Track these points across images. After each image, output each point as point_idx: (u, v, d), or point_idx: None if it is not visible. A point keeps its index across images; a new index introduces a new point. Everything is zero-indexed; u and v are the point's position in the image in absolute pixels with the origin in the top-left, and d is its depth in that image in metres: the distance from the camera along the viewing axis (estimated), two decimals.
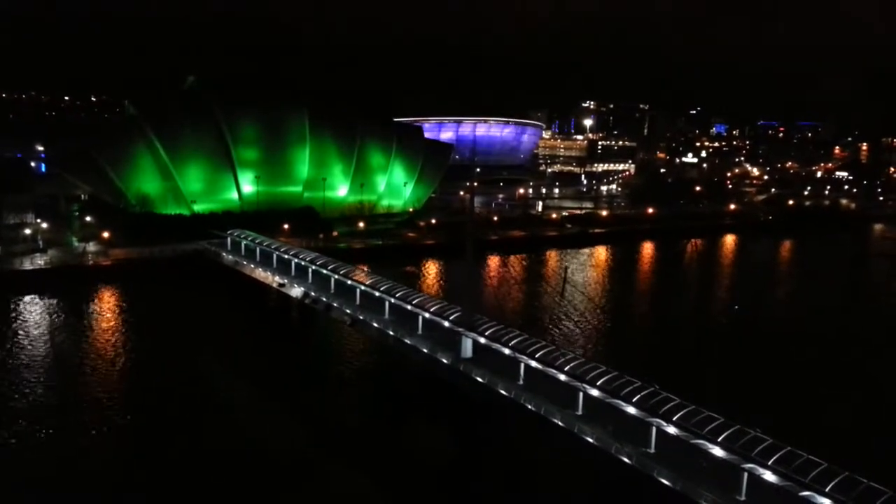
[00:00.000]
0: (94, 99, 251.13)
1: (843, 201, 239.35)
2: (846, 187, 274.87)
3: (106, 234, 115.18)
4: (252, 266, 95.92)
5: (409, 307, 69.11)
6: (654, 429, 46.02)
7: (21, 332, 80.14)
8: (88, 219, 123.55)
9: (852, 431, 57.07)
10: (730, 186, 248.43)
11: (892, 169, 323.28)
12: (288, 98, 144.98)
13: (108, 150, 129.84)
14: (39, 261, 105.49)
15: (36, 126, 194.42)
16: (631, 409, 47.64)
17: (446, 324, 64.21)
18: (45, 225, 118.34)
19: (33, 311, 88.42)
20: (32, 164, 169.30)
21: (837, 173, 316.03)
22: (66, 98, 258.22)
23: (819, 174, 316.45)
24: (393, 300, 71.20)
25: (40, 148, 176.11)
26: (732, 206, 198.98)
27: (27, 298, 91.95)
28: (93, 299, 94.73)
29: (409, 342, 66.09)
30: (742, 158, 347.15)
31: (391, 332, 68.46)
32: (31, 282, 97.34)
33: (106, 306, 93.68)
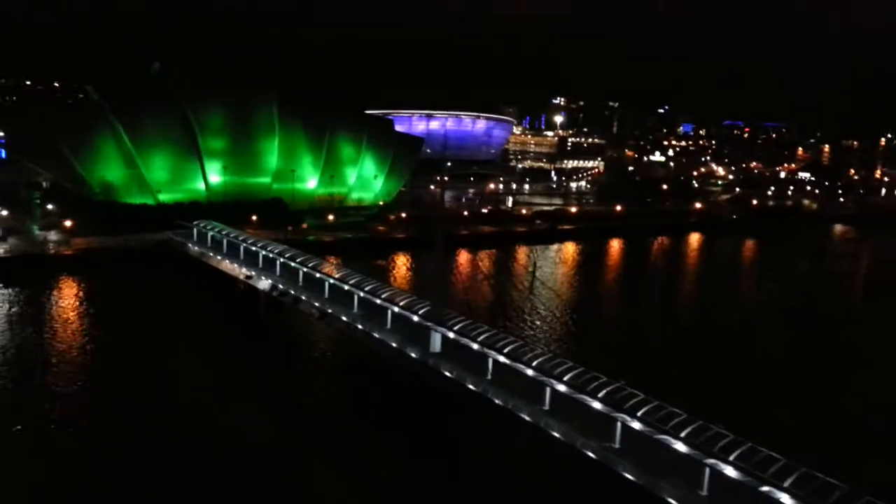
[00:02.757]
0: (56, 84, 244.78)
1: (806, 202, 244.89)
2: (808, 188, 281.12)
3: (68, 223, 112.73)
4: (219, 258, 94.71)
5: (378, 301, 68.89)
6: (619, 424, 46.58)
7: None
8: (50, 207, 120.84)
9: (807, 428, 58.41)
10: (696, 185, 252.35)
11: (852, 171, 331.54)
12: (257, 87, 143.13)
13: (70, 137, 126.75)
14: None
15: None
16: (597, 405, 48.17)
17: (415, 318, 64.19)
18: (4, 212, 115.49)
19: None
20: None
21: (800, 174, 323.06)
22: (28, 83, 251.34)
23: (783, 175, 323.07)
24: (362, 294, 70.90)
25: (0, 133, 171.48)
26: (698, 205, 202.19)
27: None
28: (54, 289, 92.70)
29: (377, 336, 65.93)
30: (708, 158, 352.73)
31: (360, 326, 68.23)
32: None
33: (68, 297, 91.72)
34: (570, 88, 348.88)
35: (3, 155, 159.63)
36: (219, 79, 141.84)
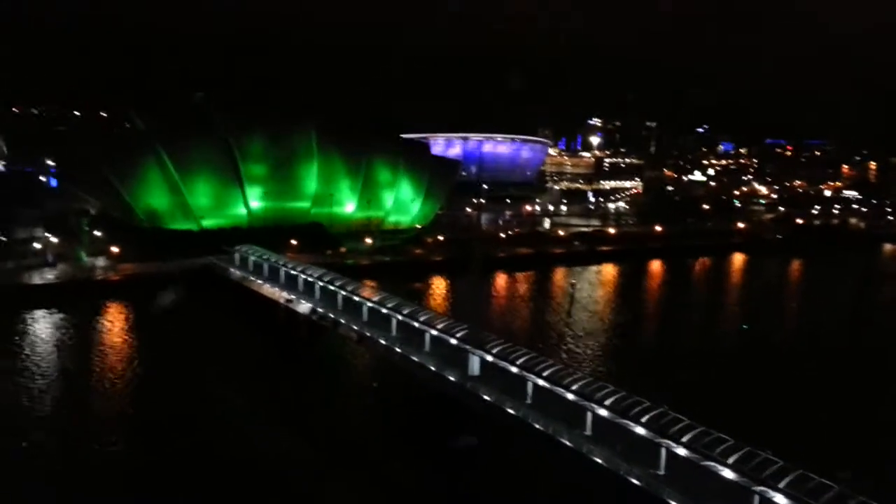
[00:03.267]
0: (104, 115, 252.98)
1: (852, 220, 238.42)
2: (855, 206, 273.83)
3: (115, 249, 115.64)
4: (260, 282, 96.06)
5: (416, 324, 68.97)
6: (663, 450, 45.59)
7: (30, 346, 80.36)
8: (97, 233, 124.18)
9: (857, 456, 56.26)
10: (738, 205, 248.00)
11: None
12: (295, 115, 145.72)
13: (117, 166, 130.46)
14: (49, 275, 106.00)
15: (46, 141, 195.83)
16: (640, 430, 47.25)
17: (453, 341, 64.02)
18: (54, 239, 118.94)
19: (43, 325, 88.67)
20: (42, 178, 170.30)
21: (846, 192, 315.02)
22: (77, 113, 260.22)
23: (828, 193, 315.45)
24: (400, 317, 71.08)
25: (50, 163, 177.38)
26: (741, 225, 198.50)
27: (37, 313, 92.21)
28: (102, 314, 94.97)
29: (416, 359, 65.88)
30: (750, 177, 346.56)
31: (398, 349, 68.29)
32: (41, 296, 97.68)
33: (114, 321, 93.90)
34: (606, 109, 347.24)
35: (54, 183, 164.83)
36: (258, 107, 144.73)
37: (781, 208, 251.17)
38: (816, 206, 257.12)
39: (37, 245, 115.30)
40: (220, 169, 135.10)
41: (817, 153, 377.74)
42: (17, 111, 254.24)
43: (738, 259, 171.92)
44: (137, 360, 78.21)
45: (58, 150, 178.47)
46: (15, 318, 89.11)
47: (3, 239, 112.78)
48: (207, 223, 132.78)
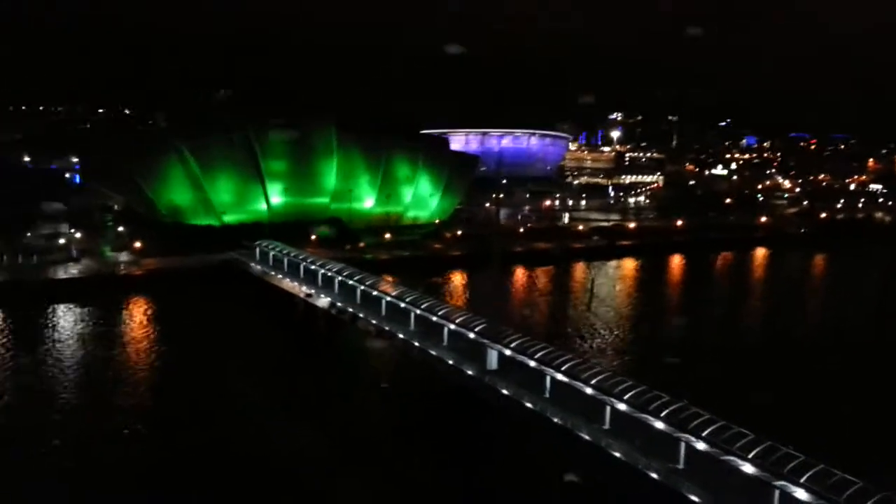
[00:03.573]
0: (126, 112, 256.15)
1: (878, 214, 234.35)
2: (881, 200, 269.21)
3: (138, 244, 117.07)
4: (280, 276, 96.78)
5: (434, 318, 69.11)
6: (682, 444, 45.31)
7: (55, 339, 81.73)
8: (121, 229, 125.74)
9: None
10: (761, 199, 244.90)
11: None
12: (315, 111, 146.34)
13: (140, 162, 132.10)
14: (73, 270, 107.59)
15: (71, 138, 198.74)
16: (659, 424, 47.00)
17: (471, 335, 64.07)
18: (78, 235, 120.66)
19: (67, 319, 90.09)
20: (67, 175, 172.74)
21: (872, 186, 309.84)
22: (100, 110, 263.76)
23: (853, 187, 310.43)
24: (418, 311, 71.25)
25: (75, 160, 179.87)
26: (763, 219, 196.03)
27: (61, 307, 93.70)
28: (125, 308, 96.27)
29: (434, 353, 66.03)
30: (773, 170, 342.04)
31: (416, 343, 68.48)
32: (66, 291, 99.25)
33: (137, 315, 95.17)
34: (626, 103, 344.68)
35: (78, 180, 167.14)
36: (277, 104, 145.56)
37: (805, 202, 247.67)
38: (841, 200, 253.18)
39: (61, 240, 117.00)
40: (241, 165, 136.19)
41: (842, 146, 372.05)
42: (42, 109, 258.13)
43: (761, 253, 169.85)
44: (159, 354, 79.23)
45: (82, 148, 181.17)
46: (40, 312, 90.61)
47: (29, 234, 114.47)
48: (228, 218, 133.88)
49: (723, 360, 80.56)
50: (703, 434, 44.53)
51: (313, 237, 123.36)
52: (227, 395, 67.28)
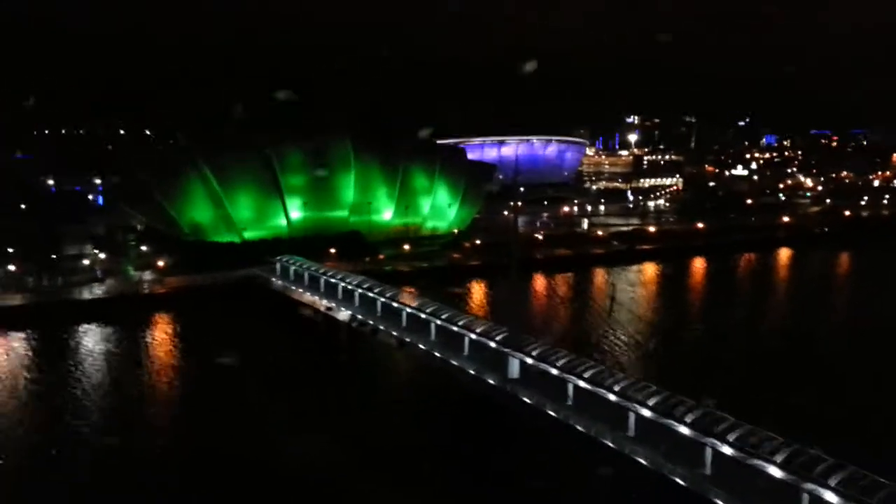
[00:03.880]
0: (147, 132, 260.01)
1: None
2: None
3: (161, 263, 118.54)
4: (300, 290, 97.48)
5: (455, 328, 69.20)
6: (708, 449, 44.88)
7: (81, 359, 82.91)
8: (144, 248, 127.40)
9: None
10: (782, 198, 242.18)
11: None
12: (332, 125, 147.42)
13: (161, 182, 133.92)
14: (98, 290, 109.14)
15: (94, 160, 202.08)
16: (684, 430, 46.60)
17: (493, 344, 64.03)
18: (102, 255, 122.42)
19: (92, 338, 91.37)
20: (90, 196, 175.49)
21: (895, 181, 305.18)
22: (122, 132, 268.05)
23: (876, 183, 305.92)
24: (439, 322, 71.36)
25: (98, 181, 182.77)
26: (786, 219, 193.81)
27: (86, 327, 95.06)
28: (149, 326, 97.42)
29: (455, 363, 66.07)
30: (794, 169, 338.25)
31: (438, 354, 68.57)
32: (90, 310, 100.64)
33: (161, 333, 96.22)
34: (644, 106, 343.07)
35: (101, 201, 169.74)
36: (293, 116, 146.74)
37: (828, 200, 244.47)
38: (864, 198, 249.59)
39: (86, 261, 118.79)
40: (261, 182, 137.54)
41: (864, 143, 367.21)
42: (64, 132, 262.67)
43: (784, 254, 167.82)
44: (183, 370, 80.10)
45: (104, 169, 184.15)
46: (67, 331, 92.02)
47: (54, 256, 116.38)
48: (249, 235, 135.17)
49: (747, 365, 79.64)
50: (729, 438, 44.07)
51: (333, 251, 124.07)
52: (251, 409, 67.73)
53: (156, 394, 72.77)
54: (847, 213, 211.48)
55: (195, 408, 70.00)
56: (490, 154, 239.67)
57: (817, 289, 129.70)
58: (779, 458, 41.36)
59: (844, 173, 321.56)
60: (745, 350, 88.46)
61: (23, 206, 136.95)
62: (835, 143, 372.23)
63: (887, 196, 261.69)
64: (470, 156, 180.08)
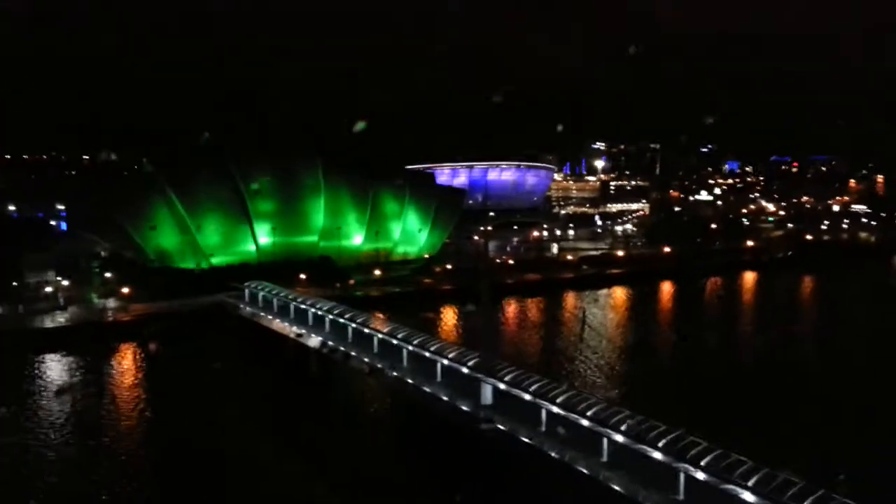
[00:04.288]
0: (113, 157, 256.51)
1: (862, 234, 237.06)
2: (864, 220, 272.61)
3: (126, 290, 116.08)
4: (270, 317, 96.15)
5: (427, 354, 68.71)
6: (682, 474, 44.94)
7: (42, 390, 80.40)
8: (108, 275, 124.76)
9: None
10: (746, 223, 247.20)
11: None
12: (301, 150, 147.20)
13: (127, 208, 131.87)
14: (60, 318, 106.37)
15: (57, 185, 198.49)
16: (658, 455, 46.64)
17: (465, 370, 63.69)
18: (65, 283, 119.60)
19: (54, 368, 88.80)
20: (53, 223, 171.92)
21: (854, 206, 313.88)
22: (86, 157, 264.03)
23: (836, 208, 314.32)
24: (411, 347, 70.85)
25: (61, 207, 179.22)
26: (750, 243, 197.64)
27: (49, 356, 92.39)
28: (113, 356, 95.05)
29: (428, 390, 65.50)
30: (757, 195, 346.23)
31: (410, 380, 67.95)
32: (53, 339, 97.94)
33: (126, 362, 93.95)
34: (608, 132, 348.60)
35: (65, 227, 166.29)
36: (263, 143, 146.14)
37: (790, 225, 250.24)
38: (825, 222, 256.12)
39: (48, 289, 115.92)
40: (229, 206, 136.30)
41: (823, 168, 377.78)
42: (27, 158, 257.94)
43: (750, 277, 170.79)
44: (148, 401, 77.99)
45: (68, 195, 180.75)
46: (27, 361, 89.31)
47: (15, 283, 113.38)
48: (217, 260, 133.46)
49: (720, 388, 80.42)
50: (702, 463, 44.21)
51: (303, 276, 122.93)
52: (218, 439, 66.17)
53: (118, 426, 70.62)
54: (809, 236, 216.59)
55: (160, 437, 68.13)
56: (459, 180, 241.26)
57: (781, 313, 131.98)
58: (751, 482, 41.57)
59: (805, 198, 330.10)
60: (714, 372, 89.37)
61: None
62: (795, 169, 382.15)
63: (846, 220, 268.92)
64: (439, 181, 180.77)
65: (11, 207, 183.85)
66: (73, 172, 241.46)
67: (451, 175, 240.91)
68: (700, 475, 43.95)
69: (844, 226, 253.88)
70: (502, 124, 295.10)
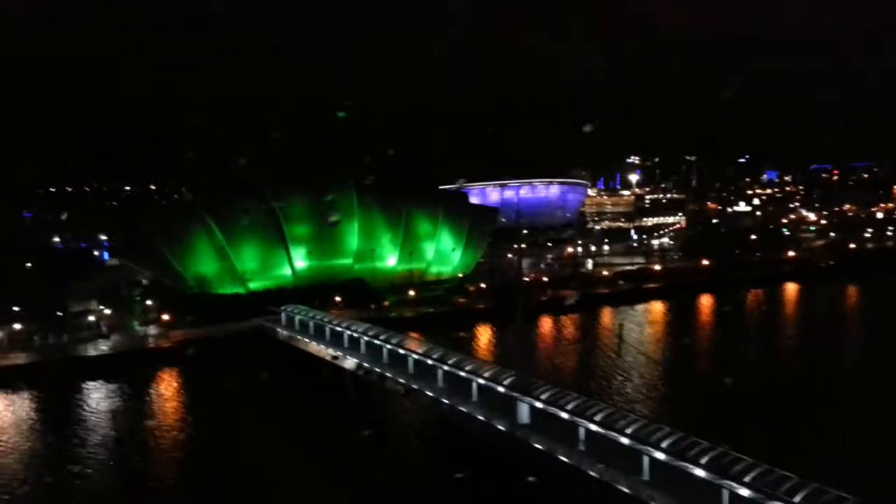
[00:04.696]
0: (152, 187, 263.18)
1: None
2: None
3: (166, 317, 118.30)
4: (306, 340, 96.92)
5: (462, 374, 68.41)
6: (725, 492, 43.77)
7: (87, 416, 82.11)
8: (149, 302, 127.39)
9: None
10: (787, 233, 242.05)
11: None
12: (334, 173, 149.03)
13: (166, 236, 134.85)
14: (103, 346, 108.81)
15: (100, 216, 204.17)
16: (700, 472, 45.56)
17: (501, 389, 63.19)
18: (108, 311, 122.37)
19: (98, 395, 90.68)
20: (96, 252, 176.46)
21: None
22: (128, 188, 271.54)
23: (880, 215, 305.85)
24: (446, 367, 70.62)
25: (103, 237, 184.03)
26: (791, 253, 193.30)
27: (92, 384, 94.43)
28: (155, 381, 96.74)
29: (463, 409, 65.11)
30: (797, 204, 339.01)
31: (445, 400, 67.65)
32: (96, 367, 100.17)
33: (167, 388, 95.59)
34: (643, 146, 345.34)
35: (107, 257, 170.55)
36: (299, 170, 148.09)
37: (832, 234, 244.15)
38: (869, 229, 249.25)
39: (91, 318, 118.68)
40: (265, 232, 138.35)
41: (864, 175, 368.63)
42: (71, 191, 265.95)
43: (791, 289, 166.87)
44: (189, 425, 79.12)
45: (110, 225, 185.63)
46: (72, 389, 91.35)
47: (60, 313, 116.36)
48: (254, 285, 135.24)
49: (765, 404, 78.32)
50: (746, 479, 43.04)
51: (338, 299, 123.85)
52: (258, 462, 66.63)
53: (161, 451, 71.70)
54: (852, 245, 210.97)
55: (202, 461, 68.94)
56: (492, 198, 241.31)
57: (826, 324, 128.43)
58: (797, 499, 40.30)
59: (847, 206, 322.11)
60: (756, 388, 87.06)
61: (28, 265, 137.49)
62: (836, 177, 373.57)
63: (890, 227, 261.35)
64: (472, 200, 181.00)
65: (56, 239, 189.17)
66: (115, 203, 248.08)
67: (483, 194, 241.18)
68: (744, 492, 42.77)
69: (889, 233, 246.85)
70: (535, 141, 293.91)
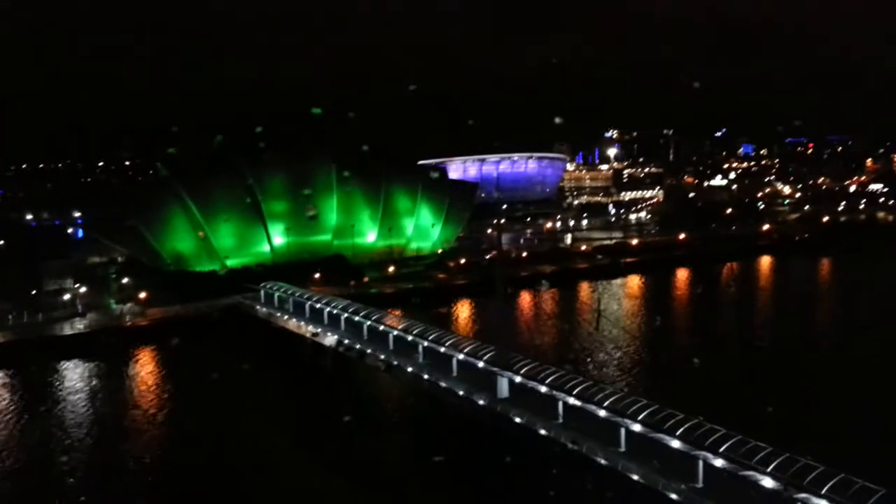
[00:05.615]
0: (126, 163, 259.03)
1: (880, 214, 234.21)
2: (881, 200, 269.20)
3: (143, 295, 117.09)
4: (286, 317, 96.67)
5: (442, 349, 68.82)
6: (700, 462, 44.73)
7: (63, 396, 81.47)
8: (126, 280, 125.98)
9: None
10: (762, 206, 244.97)
11: None
12: (313, 149, 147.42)
13: (142, 213, 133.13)
14: (79, 325, 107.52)
15: (73, 193, 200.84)
16: (675, 443, 46.46)
17: (481, 364, 63.73)
18: (83, 289, 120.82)
19: (75, 375, 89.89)
20: (70, 230, 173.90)
21: (871, 186, 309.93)
22: (101, 164, 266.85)
23: (853, 188, 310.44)
24: (426, 343, 70.98)
25: (77, 214, 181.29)
26: (766, 227, 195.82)
27: (68, 363, 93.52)
28: (132, 360, 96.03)
29: (444, 385, 65.63)
30: (772, 177, 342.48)
31: (426, 376, 68.10)
32: (72, 346, 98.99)
33: (144, 366, 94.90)
34: (621, 120, 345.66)
35: (81, 234, 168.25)
36: (275, 143, 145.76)
37: (807, 207, 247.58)
38: (842, 203, 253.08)
39: (66, 296, 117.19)
40: (243, 208, 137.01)
41: (839, 149, 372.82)
42: (42, 167, 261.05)
43: (766, 261, 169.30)
44: (167, 403, 78.82)
45: (84, 202, 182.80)
46: (48, 368, 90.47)
47: (34, 292, 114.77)
48: (232, 262, 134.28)
49: (742, 374, 79.84)
50: (721, 450, 43.99)
51: (317, 275, 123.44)
52: (240, 437, 66.77)
53: (142, 427, 71.51)
54: (825, 218, 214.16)
55: (179, 439, 68.89)
56: (471, 173, 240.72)
57: (802, 295, 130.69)
58: (771, 468, 41.30)
59: (821, 180, 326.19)
60: (735, 360, 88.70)
61: (1, 242, 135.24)
62: (811, 151, 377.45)
63: (864, 200, 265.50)
64: (451, 175, 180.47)
65: (29, 216, 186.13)
66: (89, 179, 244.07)
67: (462, 169, 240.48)
68: (718, 462, 43.75)
69: (862, 206, 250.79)
70: (513, 116, 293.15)
